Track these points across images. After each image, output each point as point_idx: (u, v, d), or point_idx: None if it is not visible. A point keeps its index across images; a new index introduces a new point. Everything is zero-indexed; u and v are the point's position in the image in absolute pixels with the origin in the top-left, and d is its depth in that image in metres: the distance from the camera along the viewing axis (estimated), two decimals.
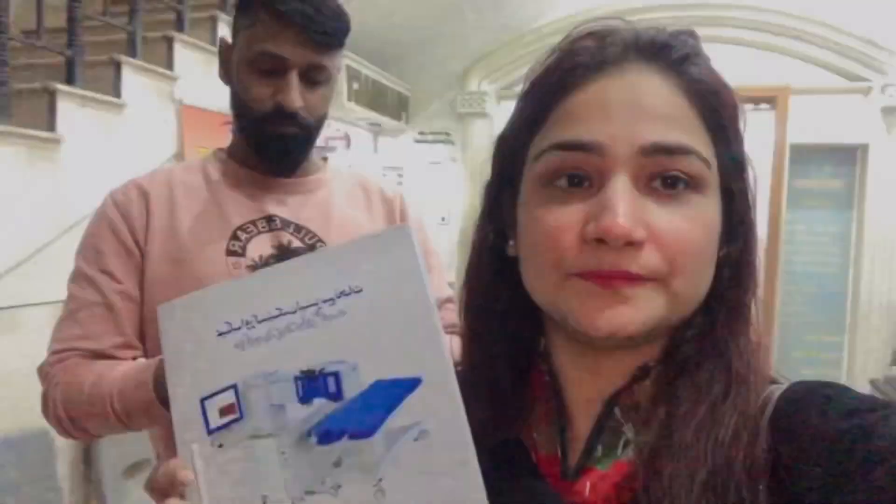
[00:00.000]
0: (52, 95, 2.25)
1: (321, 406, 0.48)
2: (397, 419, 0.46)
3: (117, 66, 2.51)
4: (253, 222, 1.10)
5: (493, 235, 0.56)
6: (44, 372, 1.04)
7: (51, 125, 2.24)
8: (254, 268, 1.06)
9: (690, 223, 0.47)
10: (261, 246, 1.08)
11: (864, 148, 4.18)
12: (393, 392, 0.46)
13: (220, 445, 0.49)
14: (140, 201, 1.08)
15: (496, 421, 0.53)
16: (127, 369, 0.97)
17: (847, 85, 4.10)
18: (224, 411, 0.49)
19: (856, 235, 4.26)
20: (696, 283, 0.48)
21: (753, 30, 4.11)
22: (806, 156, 4.31)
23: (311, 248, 1.10)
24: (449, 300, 1.19)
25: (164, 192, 1.10)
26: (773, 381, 0.51)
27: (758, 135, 4.16)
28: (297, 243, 1.10)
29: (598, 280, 0.46)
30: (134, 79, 2.56)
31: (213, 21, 3.02)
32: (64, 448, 2.24)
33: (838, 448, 0.42)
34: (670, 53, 0.48)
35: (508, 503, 0.49)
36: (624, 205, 0.44)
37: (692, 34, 0.50)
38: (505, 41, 4.43)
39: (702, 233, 0.47)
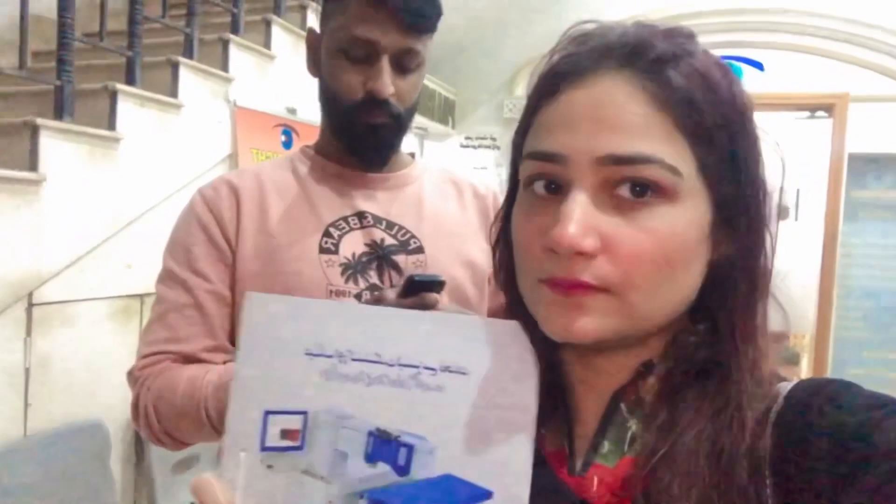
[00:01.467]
0: (112, 95, 2.30)
1: (384, 473, 0.45)
2: None
3: (175, 67, 2.55)
4: (344, 219, 1.06)
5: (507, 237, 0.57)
6: (133, 377, 1.00)
7: (111, 124, 2.29)
8: (347, 266, 1.03)
9: (648, 234, 0.46)
10: (353, 243, 1.05)
11: None
12: (460, 493, 0.44)
13: (270, 466, 0.46)
14: (230, 198, 1.05)
15: None
16: (220, 374, 0.94)
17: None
18: (286, 434, 0.46)
19: None
20: (657, 293, 0.47)
21: (811, 35, 4.01)
22: (864, 166, 4.18)
23: (405, 244, 1.07)
24: None
25: (254, 188, 1.06)
26: (782, 379, 0.50)
27: (814, 144, 4.06)
28: (389, 240, 1.06)
29: (557, 289, 0.47)
30: (190, 80, 2.60)
31: (268, 24, 3.06)
32: (117, 442, 2.28)
33: (843, 446, 0.43)
34: (643, 58, 0.47)
35: None
36: (576, 216, 0.45)
37: (683, 32, 0.49)
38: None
39: (662, 243, 0.47)
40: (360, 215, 1.07)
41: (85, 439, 2.13)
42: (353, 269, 1.02)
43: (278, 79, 3.06)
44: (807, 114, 4.27)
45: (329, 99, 1.05)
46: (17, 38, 2.18)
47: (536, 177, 0.49)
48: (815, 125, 4.11)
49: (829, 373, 4.02)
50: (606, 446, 0.51)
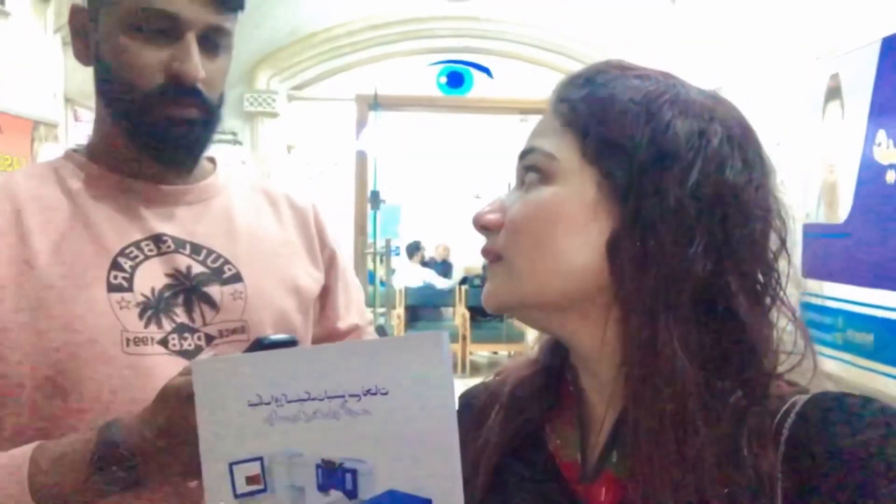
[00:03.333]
0: None
1: (337, 499, 0.50)
2: None
3: None
4: (136, 244, 0.84)
5: None
6: None
7: None
8: (146, 305, 0.82)
9: (524, 204, 0.56)
10: (151, 275, 0.83)
11: None
12: None
13: None
14: None
15: (524, 431, 0.60)
16: None
17: None
18: (250, 480, 0.51)
19: None
20: (537, 259, 0.54)
21: (532, 46, 4.38)
22: None
23: (218, 271, 0.87)
24: (371, 324, 1.07)
25: (6, 211, 0.81)
26: (796, 389, 0.52)
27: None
28: (197, 268, 0.86)
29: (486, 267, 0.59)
30: None
31: None
32: None
33: (856, 460, 0.44)
34: (564, 87, 0.59)
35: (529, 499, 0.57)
36: (494, 200, 0.59)
37: (606, 63, 0.59)
38: (296, 38, 4.34)
39: (534, 212, 0.55)
40: (157, 239, 0.85)
41: None
42: (153, 309, 0.82)
43: None
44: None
45: (115, 89, 0.83)
46: None
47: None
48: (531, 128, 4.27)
49: None
50: (616, 456, 0.54)
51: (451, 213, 7.54)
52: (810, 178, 2.84)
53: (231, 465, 0.51)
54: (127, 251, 0.83)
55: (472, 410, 0.64)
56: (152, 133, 0.83)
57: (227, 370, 0.53)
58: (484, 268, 7.28)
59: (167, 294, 0.83)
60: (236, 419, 0.51)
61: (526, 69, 4.53)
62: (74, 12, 0.85)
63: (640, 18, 4.34)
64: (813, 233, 2.69)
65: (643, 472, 0.49)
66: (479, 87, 4.76)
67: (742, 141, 0.54)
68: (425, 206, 8.03)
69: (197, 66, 0.79)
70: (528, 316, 0.59)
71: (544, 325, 0.59)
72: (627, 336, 0.52)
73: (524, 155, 0.57)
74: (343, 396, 0.50)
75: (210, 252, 0.88)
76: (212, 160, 0.96)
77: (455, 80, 4.85)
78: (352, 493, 0.49)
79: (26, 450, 0.71)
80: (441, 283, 7.01)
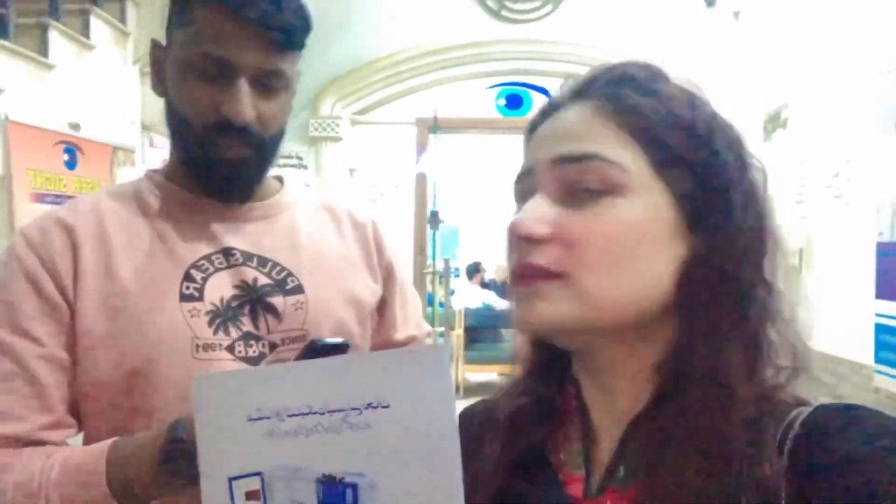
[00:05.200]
0: None
1: None
2: None
3: None
4: (207, 258, 0.90)
5: None
6: None
7: None
8: (215, 314, 0.87)
9: (596, 220, 0.50)
10: (220, 286, 0.89)
11: None
12: None
13: None
14: (63, 240, 0.86)
15: (526, 446, 0.57)
16: (65, 462, 0.77)
17: None
18: (250, 495, 0.50)
19: None
20: (610, 280, 0.50)
21: (586, 65, 4.32)
22: None
23: (281, 283, 0.92)
24: (429, 335, 1.13)
25: (92, 226, 0.88)
26: (799, 402, 0.51)
27: None
28: (263, 280, 0.91)
29: (519, 281, 0.52)
30: None
31: (44, 29, 2.82)
32: None
33: (861, 473, 0.43)
34: (594, 85, 0.55)
35: None
36: (531, 208, 0.52)
37: (639, 64, 0.56)
38: (358, 65, 4.54)
39: (610, 228, 0.50)
40: (227, 252, 0.91)
41: None
42: (221, 318, 0.87)
43: (58, 90, 2.80)
44: None
45: (177, 123, 0.89)
46: None
47: (519, 195, 0.56)
48: None
49: None
50: (623, 471, 0.53)
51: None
52: (882, 195, 2.74)
53: (230, 479, 0.50)
54: (199, 264, 0.89)
55: (471, 429, 0.61)
56: (205, 167, 0.89)
57: (228, 384, 0.52)
58: None
59: (234, 304, 0.89)
60: (236, 434, 0.51)
61: None
62: (153, 47, 0.91)
63: (702, 36, 4.30)
64: (886, 252, 2.59)
65: (667, 492, 0.47)
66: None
67: (750, 160, 0.54)
68: (485, 228, 8.04)
69: (245, 108, 0.84)
70: (578, 338, 0.53)
71: (588, 345, 0.55)
72: (681, 358, 0.51)
73: (578, 159, 0.51)
74: (344, 410, 0.49)
75: (275, 265, 0.93)
76: (280, 179, 1.02)
77: (514, 101, 4.90)
78: None
79: (102, 446, 0.76)
80: (500, 304, 6.98)
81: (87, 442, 0.85)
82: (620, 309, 0.50)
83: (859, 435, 0.45)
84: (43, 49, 2.76)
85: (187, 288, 0.87)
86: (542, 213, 0.51)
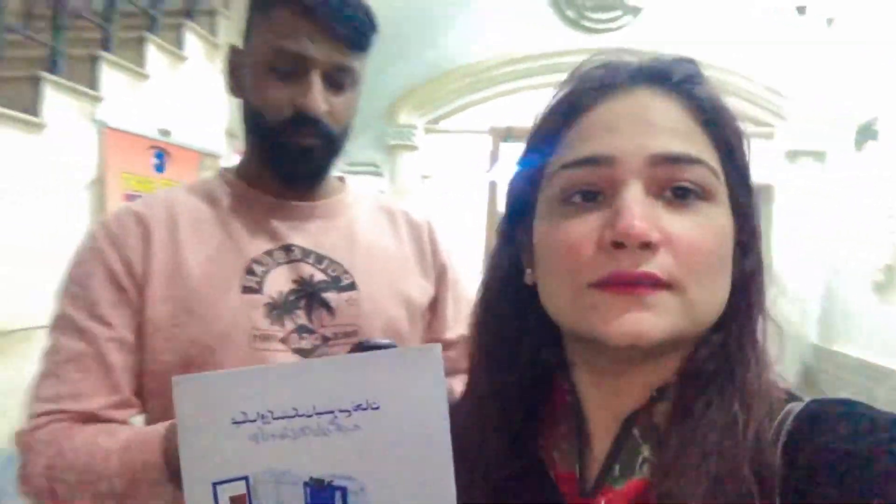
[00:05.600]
0: None
1: None
2: None
3: (36, 83, 2.38)
4: (269, 253, 0.95)
5: (509, 267, 0.57)
6: (23, 440, 0.86)
7: None
8: (272, 306, 0.93)
9: (702, 229, 0.48)
10: (279, 280, 0.94)
11: (767, 189, 4.48)
12: None
13: None
14: (138, 231, 0.93)
15: (515, 445, 0.55)
16: (128, 441, 0.82)
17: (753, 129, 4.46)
18: (235, 500, 0.48)
19: None
20: (713, 290, 0.49)
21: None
22: None
23: (336, 280, 0.97)
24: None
25: (165, 220, 0.95)
26: (792, 398, 0.51)
27: None
28: (319, 276, 0.96)
29: (619, 289, 0.47)
30: (54, 97, 2.44)
31: (141, 42, 3.00)
32: None
33: (854, 467, 0.42)
34: (672, 76, 0.51)
35: None
36: (638, 208, 0.46)
37: (691, 60, 0.53)
38: (436, 75, 4.58)
39: (714, 239, 0.48)
40: (287, 248, 0.96)
41: None
42: (279, 310, 0.93)
43: (151, 100, 3.00)
44: None
45: (254, 119, 0.96)
46: None
47: (577, 185, 0.49)
48: None
49: None
50: (618, 470, 0.51)
51: None
52: None
53: (214, 485, 0.49)
54: (260, 258, 0.94)
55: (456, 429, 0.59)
56: (280, 157, 0.94)
57: (211, 386, 0.50)
58: None
59: (291, 298, 0.93)
60: (220, 437, 0.48)
61: None
62: (232, 52, 0.98)
63: (793, 44, 4.14)
64: None
65: (672, 492, 0.46)
66: None
67: None
68: None
69: (318, 100, 0.90)
70: (658, 349, 0.49)
71: (653, 356, 0.51)
72: (702, 364, 0.50)
73: (683, 161, 0.48)
74: (332, 412, 0.47)
75: (332, 262, 0.98)
76: (342, 180, 1.07)
77: None
78: None
79: (159, 427, 0.81)
80: None
81: (148, 422, 0.91)
82: (710, 320, 0.49)
83: (854, 429, 0.44)
84: (140, 60, 2.95)
85: (248, 281, 0.92)
86: (650, 215, 0.47)
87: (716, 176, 0.49)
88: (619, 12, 4.54)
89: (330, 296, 0.95)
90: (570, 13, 4.57)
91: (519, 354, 0.56)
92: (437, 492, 0.47)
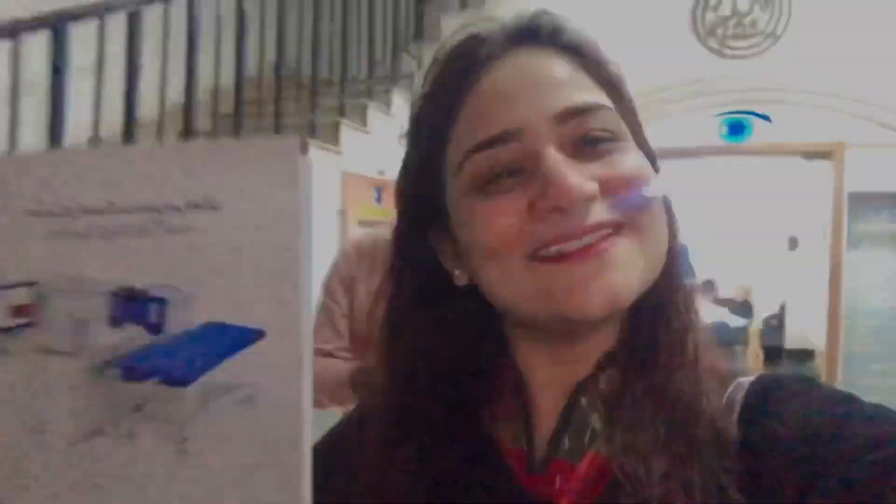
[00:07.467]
0: None
1: (134, 335, 0.37)
2: (221, 375, 0.36)
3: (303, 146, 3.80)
4: None
5: (428, 276, 0.54)
6: None
7: None
8: None
9: (627, 165, 0.46)
10: None
11: None
12: (225, 341, 0.36)
13: (4, 351, 0.38)
14: (359, 261, 1.68)
15: (460, 426, 0.52)
16: (339, 370, 1.58)
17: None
18: (18, 311, 0.37)
19: None
20: (660, 222, 0.47)
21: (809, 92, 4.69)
22: (865, 202, 4.83)
23: None
24: None
25: (370, 254, 1.66)
26: (741, 374, 0.50)
27: (816, 185, 4.98)
28: None
29: (578, 255, 0.44)
30: (315, 154, 3.41)
31: (364, 109, 4.05)
32: None
33: (809, 444, 0.42)
34: (541, 31, 0.50)
35: (472, 500, 0.49)
36: (564, 168, 0.44)
37: (548, 11, 0.51)
38: None
39: (642, 171, 0.47)
40: None
41: None
42: None
43: (372, 149, 4.01)
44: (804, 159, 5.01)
45: None
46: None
47: (492, 166, 0.47)
48: (820, 168, 4.85)
49: (840, 384, 4.55)
50: (567, 443, 0.49)
51: (754, 255, 7.76)
52: None
53: None
54: None
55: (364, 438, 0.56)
56: None
57: (12, 168, 0.39)
58: (782, 307, 7.32)
59: None
60: (7, 231, 0.37)
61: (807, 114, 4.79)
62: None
63: None
64: None
65: (635, 455, 0.45)
66: (759, 132, 5.03)
67: None
68: (724, 248, 8.17)
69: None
70: (617, 315, 0.48)
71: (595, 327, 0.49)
72: (655, 328, 0.50)
73: (587, 111, 0.46)
74: (158, 209, 0.36)
75: None
76: None
77: (735, 129, 5.19)
78: (155, 327, 0.37)
79: (349, 366, 1.62)
80: (734, 321, 7.10)
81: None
82: (661, 263, 0.48)
83: (814, 402, 0.44)
84: (363, 121, 3.98)
85: None
86: (575, 171, 0.44)
87: (619, 116, 0.48)
88: (760, 38, 4.89)
89: None
90: (713, 43, 4.93)
91: (454, 359, 0.53)
92: (282, 300, 0.35)
